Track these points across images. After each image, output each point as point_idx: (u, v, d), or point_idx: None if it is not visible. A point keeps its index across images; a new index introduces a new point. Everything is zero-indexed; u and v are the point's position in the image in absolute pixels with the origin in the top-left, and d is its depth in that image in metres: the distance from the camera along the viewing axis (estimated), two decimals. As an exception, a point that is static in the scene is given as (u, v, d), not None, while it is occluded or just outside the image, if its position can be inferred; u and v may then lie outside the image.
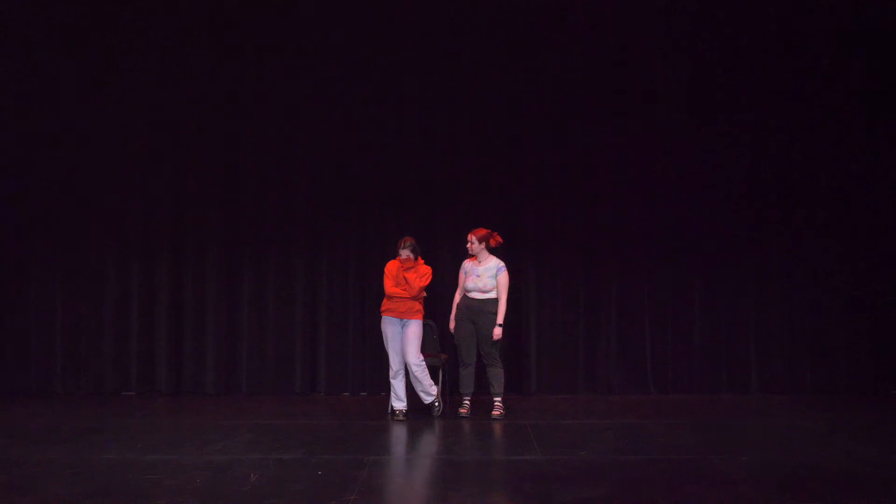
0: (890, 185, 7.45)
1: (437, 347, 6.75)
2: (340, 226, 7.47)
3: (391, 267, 6.26)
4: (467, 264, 6.43)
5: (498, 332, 6.25)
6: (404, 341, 6.18)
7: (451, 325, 6.44)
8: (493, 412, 6.26)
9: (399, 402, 6.25)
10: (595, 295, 7.48)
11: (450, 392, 6.70)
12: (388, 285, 6.20)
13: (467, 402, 6.37)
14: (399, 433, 5.86)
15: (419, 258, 6.28)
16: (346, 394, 7.40)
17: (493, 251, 6.39)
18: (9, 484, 4.37)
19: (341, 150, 7.44)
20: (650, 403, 6.97)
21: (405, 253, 6.17)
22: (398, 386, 6.24)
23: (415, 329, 6.19)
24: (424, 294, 6.26)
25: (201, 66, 7.44)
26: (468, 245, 6.35)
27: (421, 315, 6.25)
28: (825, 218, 7.45)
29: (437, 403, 6.35)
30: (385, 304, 6.25)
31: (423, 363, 6.23)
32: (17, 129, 7.40)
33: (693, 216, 7.46)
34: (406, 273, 6.14)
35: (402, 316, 6.19)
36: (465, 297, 6.37)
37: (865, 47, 7.42)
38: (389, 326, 6.23)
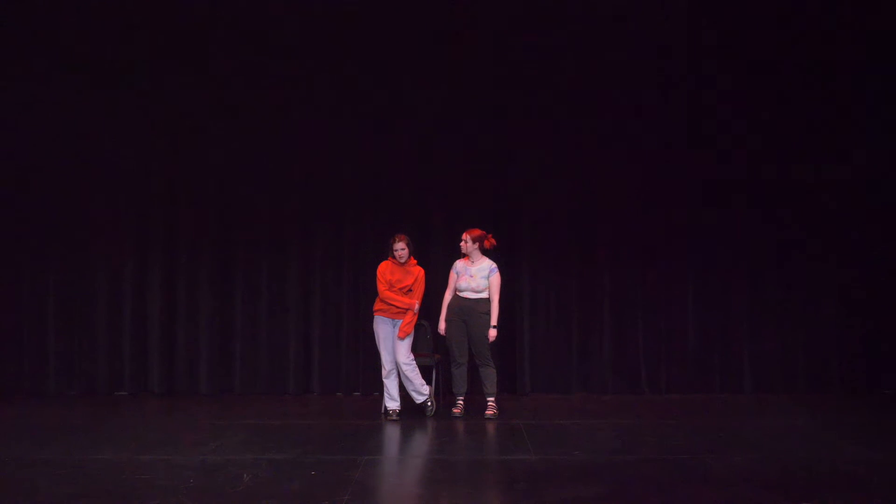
0: (885, 183, 7.46)
1: (431, 347, 6.74)
2: (334, 225, 7.46)
3: (384, 269, 6.24)
4: (459, 264, 6.43)
5: (493, 333, 6.25)
6: (396, 341, 6.17)
7: (441, 325, 6.41)
8: (487, 412, 6.26)
9: (392, 402, 6.24)
10: (589, 295, 7.48)
11: (443, 392, 6.70)
12: (382, 289, 6.18)
13: (461, 402, 6.36)
14: (393, 433, 5.85)
15: (412, 258, 6.28)
16: (340, 394, 7.39)
17: (485, 253, 6.39)
18: (1, 484, 4.36)
19: (335, 150, 7.42)
20: (644, 403, 6.97)
21: (401, 246, 6.14)
22: (391, 386, 6.23)
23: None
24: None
25: (194, 68, 7.40)
26: (462, 244, 6.36)
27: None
28: (819, 218, 7.46)
29: (430, 403, 6.35)
30: (378, 304, 6.24)
31: (413, 362, 6.23)
32: (12, 129, 7.36)
33: (686, 216, 7.46)
34: (410, 284, 6.14)
35: (396, 316, 6.19)
36: (456, 297, 6.37)
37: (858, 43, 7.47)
38: (382, 326, 6.22)
